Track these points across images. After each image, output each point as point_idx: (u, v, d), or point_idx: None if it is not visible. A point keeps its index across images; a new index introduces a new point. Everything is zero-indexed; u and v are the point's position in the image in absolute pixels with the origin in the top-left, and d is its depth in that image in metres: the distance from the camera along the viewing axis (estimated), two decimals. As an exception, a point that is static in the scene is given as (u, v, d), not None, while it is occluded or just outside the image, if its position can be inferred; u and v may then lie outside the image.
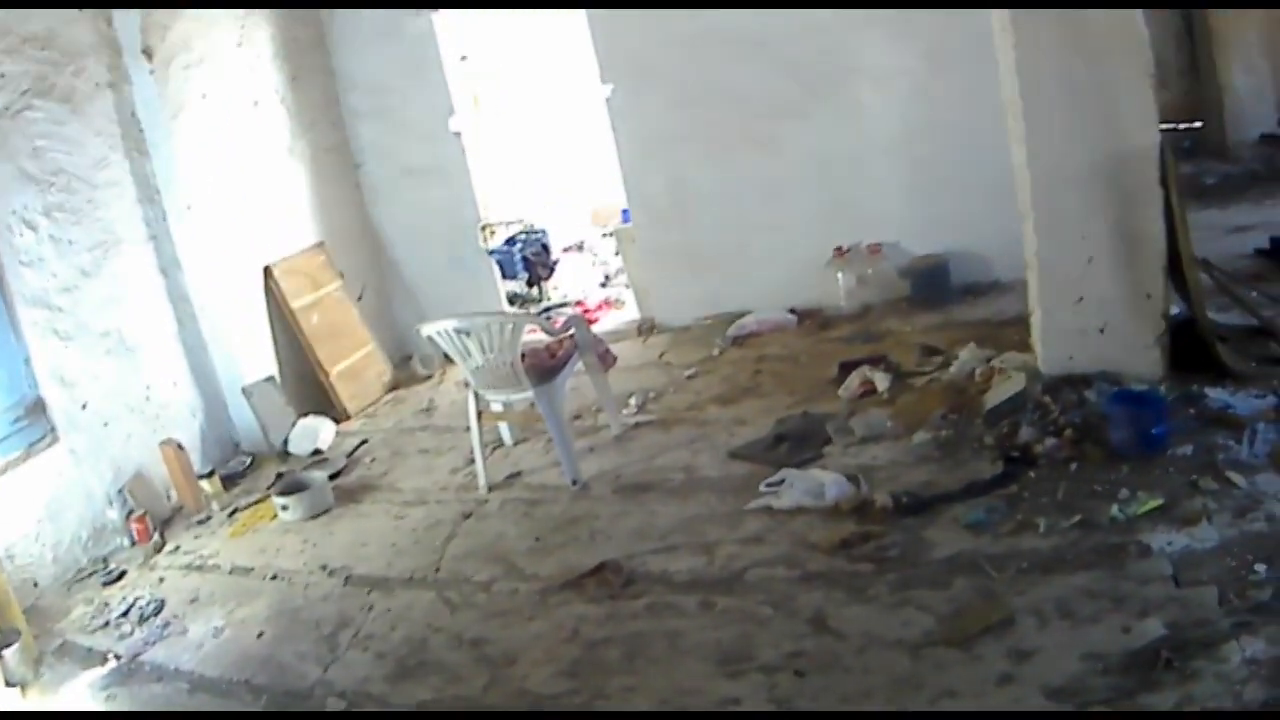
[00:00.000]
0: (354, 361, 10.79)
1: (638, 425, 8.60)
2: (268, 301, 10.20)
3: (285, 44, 10.97)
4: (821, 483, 6.52)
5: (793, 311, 10.47)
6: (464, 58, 13.09)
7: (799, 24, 10.00)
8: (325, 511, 8.14)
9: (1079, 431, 6.44)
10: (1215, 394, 6.70)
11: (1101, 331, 6.99)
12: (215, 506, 8.65)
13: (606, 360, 8.50)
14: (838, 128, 10.23)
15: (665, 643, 5.46)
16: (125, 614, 7.06)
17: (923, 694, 4.64)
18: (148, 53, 9.01)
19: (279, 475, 9.00)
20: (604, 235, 14.22)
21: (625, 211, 11.57)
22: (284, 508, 8.10)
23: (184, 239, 9.30)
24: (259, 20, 10.61)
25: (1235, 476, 5.77)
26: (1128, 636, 4.63)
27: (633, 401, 9.05)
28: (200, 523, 8.50)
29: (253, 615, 6.72)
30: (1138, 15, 6.67)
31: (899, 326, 9.66)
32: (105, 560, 8.03)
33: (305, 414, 9.91)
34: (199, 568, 7.67)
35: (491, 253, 12.23)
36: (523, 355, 7.59)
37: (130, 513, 8.17)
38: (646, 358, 10.42)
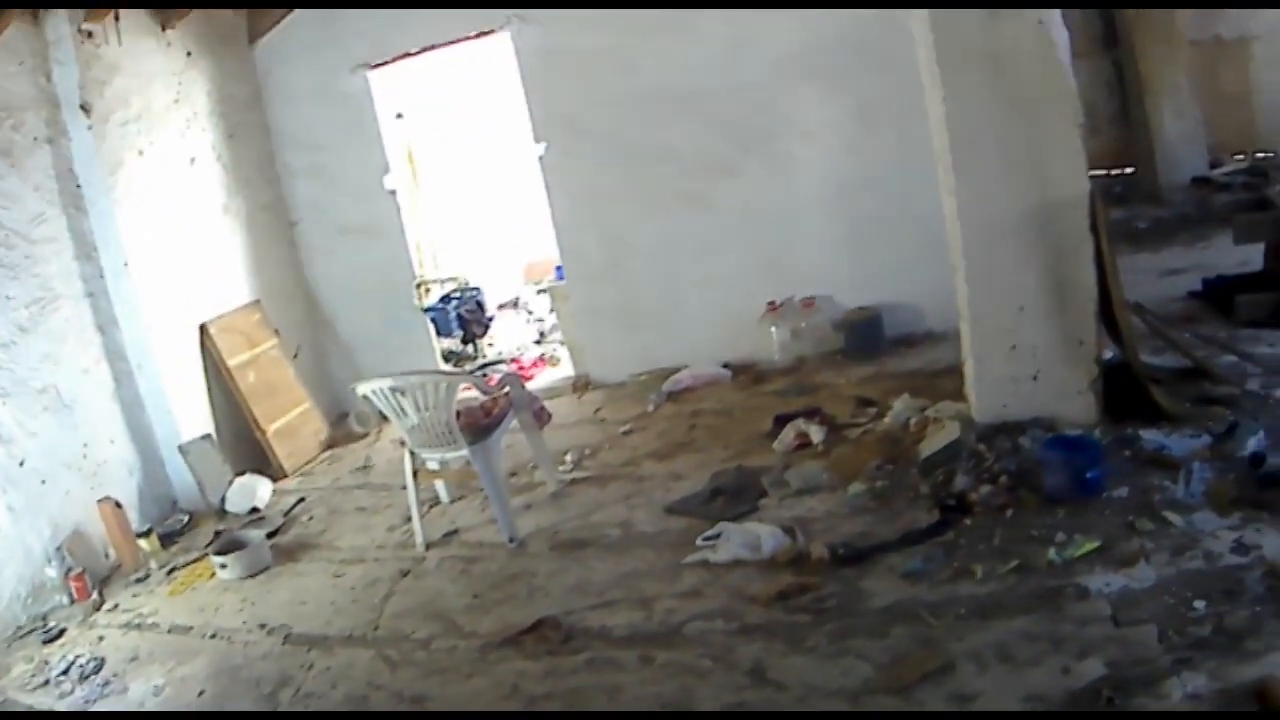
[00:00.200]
0: (290, 419, 10.76)
1: (574, 482, 8.61)
2: (204, 359, 10.16)
3: (222, 101, 10.98)
4: (758, 535, 6.54)
5: (727, 366, 10.54)
6: (399, 116, 13.13)
7: (731, 82, 10.17)
8: (263, 570, 8.08)
9: (1014, 478, 6.51)
10: (1150, 436, 6.81)
11: (1035, 379, 7.09)
12: (153, 565, 8.57)
13: (541, 417, 8.52)
14: (770, 183, 10.38)
15: (605, 698, 5.45)
16: (65, 672, 6.98)
17: (864, 742, 4.66)
18: (86, 108, 9.02)
19: (217, 534, 8.93)
20: (538, 292, 14.26)
21: (559, 268, 11.60)
22: (222, 566, 8.04)
23: (121, 296, 9.26)
24: (196, 77, 10.62)
25: (1172, 516, 5.87)
26: (1068, 677, 4.67)
27: (569, 458, 9.06)
28: (139, 581, 8.42)
29: (193, 674, 6.66)
30: (1066, 67, 6.78)
31: (833, 379, 9.75)
32: (44, 618, 7.94)
33: (242, 472, 9.86)
34: (138, 626, 7.60)
35: (426, 310, 12.23)
36: (458, 413, 7.61)
37: (69, 570, 8.09)
38: (582, 414, 10.45)
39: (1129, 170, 15.85)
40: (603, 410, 10.43)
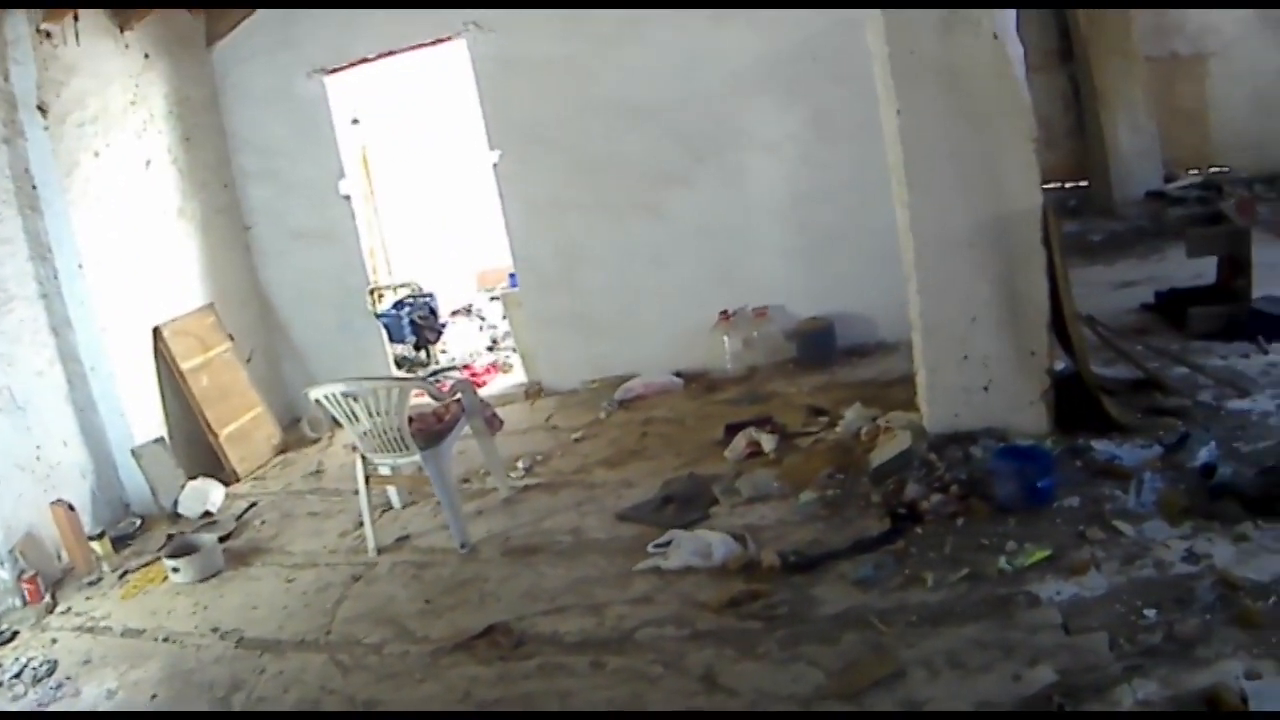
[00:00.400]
0: (243, 424, 10.72)
1: (525, 488, 8.62)
2: (157, 363, 10.10)
3: (179, 103, 10.92)
4: (709, 543, 6.56)
5: (679, 375, 10.59)
6: (355, 121, 13.11)
7: (687, 92, 10.22)
8: (216, 574, 8.04)
9: (965, 487, 6.56)
10: (1102, 446, 6.89)
11: (986, 389, 7.15)
12: (106, 568, 8.52)
13: (493, 424, 8.52)
14: (724, 193, 10.42)
15: (557, 703, 5.45)
16: (18, 675, 6.93)
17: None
18: (42, 108, 8.97)
19: (169, 537, 8.87)
20: (491, 299, 14.25)
21: (513, 275, 11.59)
22: (175, 570, 8.00)
23: (75, 298, 9.21)
24: (153, 79, 10.55)
25: (1123, 525, 5.93)
26: (1019, 684, 4.71)
27: (520, 465, 9.07)
28: (91, 584, 8.37)
29: (146, 678, 6.62)
30: (1021, 81, 6.84)
31: (785, 388, 9.79)
32: (-3, 620, 7.91)
33: (194, 476, 9.81)
34: (91, 629, 7.54)
35: (380, 316, 12.21)
36: (410, 419, 7.61)
37: (21, 573, 8.03)
38: (534, 421, 10.46)
39: (1084, 184, 16.01)
40: (555, 417, 10.44)
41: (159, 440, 9.76)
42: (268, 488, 10.05)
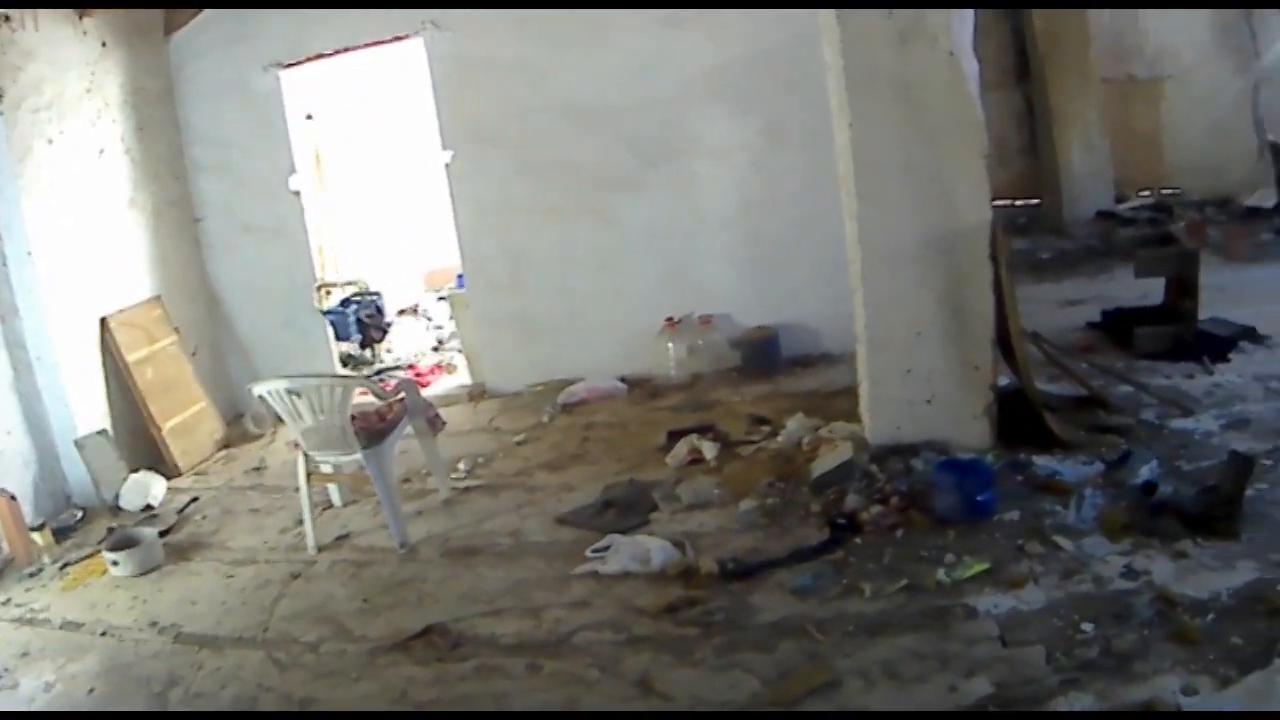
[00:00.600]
0: (186, 418, 10.65)
1: (466, 490, 8.60)
2: (103, 353, 10.02)
3: (134, 93, 10.84)
4: (648, 549, 6.58)
5: (623, 380, 10.60)
6: (309, 117, 13.06)
7: (641, 98, 10.25)
8: (155, 568, 7.98)
9: (905, 499, 6.60)
10: (1043, 462, 6.97)
11: (929, 402, 7.21)
12: (46, 559, 8.44)
13: (435, 425, 8.50)
14: (674, 200, 10.46)
15: (492, 705, 5.45)
16: (-45, 666, 6.89)
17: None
18: (-2, 93, 8.92)
19: (110, 530, 8.78)
20: (439, 299, 14.22)
21: (460, 276, 11.58)
22: (114, 563, 7.94)
23: (23, 285, 9.12)
24: (110, 68, 10.48)
25: (1062, 540, 6.00)
26: (955, 695, 4.75)
27: (462, 466, 9.05)
28: (31, 575, 8.29)
29: (83, 671, 6.57)
30: (974, 98, 6.88)
31: (728, 396, 9.83)
32: (-63, 609, 7.84)
33: (137, 469, 9.74)
34: (30, 621, 7.48)
35: (326, 313, 12.14)
36: (353, 417, 7.60)
37: (-38, 562, 8.01)
38: (477, 423, 10.45)
39: (1035, 201, 16.15)
40: (498, 419, 10.44)
41: (102, 432, 9.70)
42: (210, 483, 10.00)
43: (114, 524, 9.04)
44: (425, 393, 9.97)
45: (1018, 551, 5.94)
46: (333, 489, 8.58)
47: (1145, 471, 6.66)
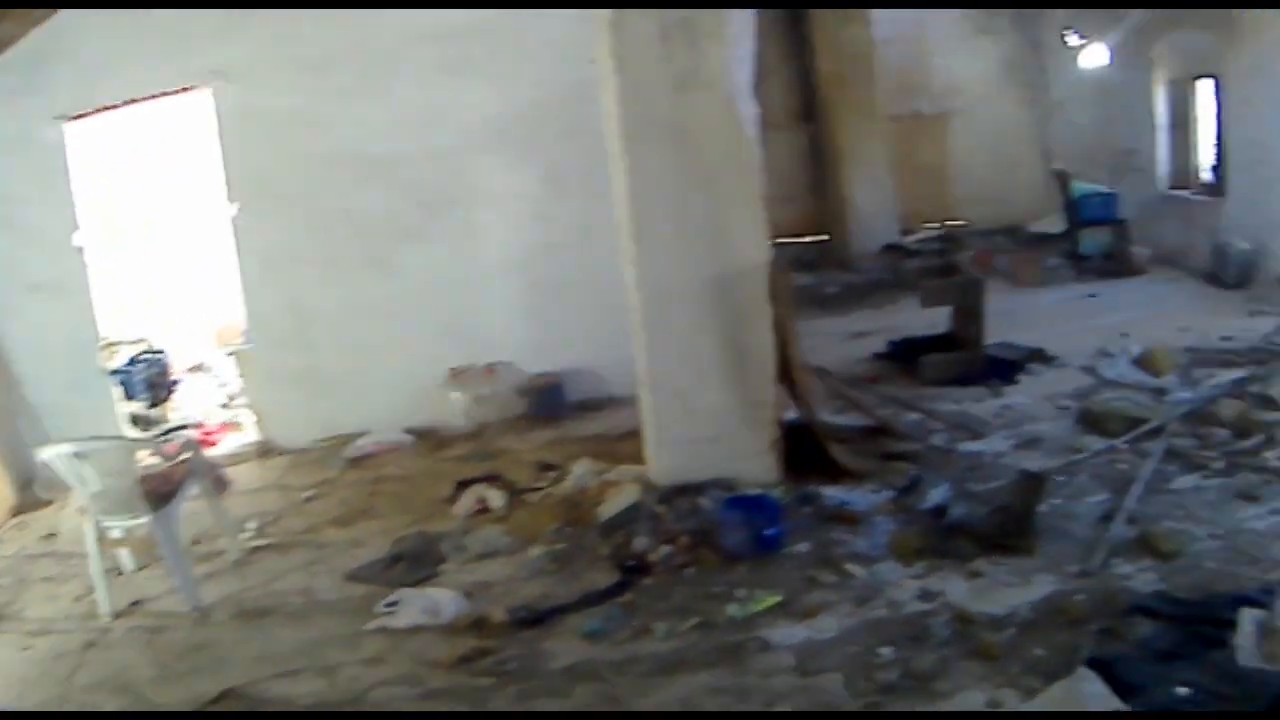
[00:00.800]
0: (-25, 486, 10.38)
1: (256, 549, 8.42)
2: (-110, 417, 9.75)
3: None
4: (438, 601, 6.54)
5: (410, 431, 10.49)
6: (93, 170, 12.86)
7: (423, 147, 10.20)
8: (-50, 642, 7.80)
9: (694, 538, 6.63)
10: (832, 493, 7.09)
11: (714, 441, 7.26)
12: None
13: (221, 484, 8.44)
14: (457, 249, 10.43)
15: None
16: None
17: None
18: None
19: (-100, 605, 8.59)
20: (227, 355, 14.07)
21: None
22: (-97, 641, 7.76)
23: None
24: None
25: (854, 568, 6.12)
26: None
27: (251, 525, 8.86)
28: None
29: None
30: (751, 140, 7.00)
31: (515, 444, 9.81)
32: None
33: (-74, 540, 9.51)
34: None
35: (114, 373, 11.93)
36: (140, 480, 7.44)
37: None
38: (266, 480, 10.23)
39: (823, 238, 16.39)
40: (286, 476, 10.24)
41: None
42: (2, 552, 9.72)
43: (-96, 599, 8.80)
44: (213, 451, 9.93)
45: (809, 582, 6.02)
46: (124, 554, 8.38)
47: (936, 495, 6.81)
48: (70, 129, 10.70)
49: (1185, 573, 5.81)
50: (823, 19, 16.01)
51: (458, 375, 10.43)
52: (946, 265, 12.04)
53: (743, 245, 7.06)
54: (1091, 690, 4.48)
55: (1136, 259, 14.17)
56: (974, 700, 4.65)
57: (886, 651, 5.17)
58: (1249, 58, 12.11)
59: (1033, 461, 7.33)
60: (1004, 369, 9.55)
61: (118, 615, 7.56)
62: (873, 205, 15.90)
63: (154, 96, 10.58)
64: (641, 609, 6.07)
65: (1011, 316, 10.02)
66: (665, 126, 6.99)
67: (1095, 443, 7.83)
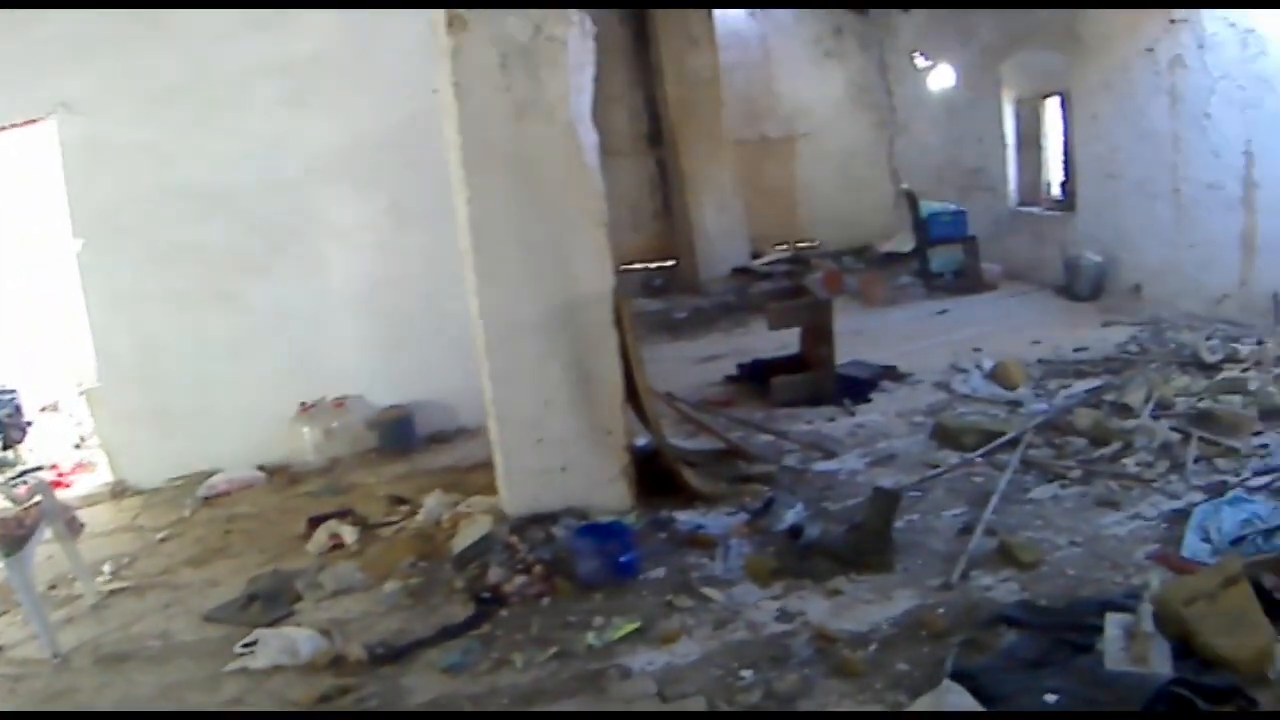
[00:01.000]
0: None
1: (113, 592, 8.23)
2: None
3: None
4: (294, 640, 6.44)
5: (262, 468, 10.37)
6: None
7: (267, 179, 10.08)
8: None
9: (549, 567, 6.62)
10: (686, 517, 7.14)
11: (564, 470, 7.29)
12: None
13: (74, 527, 8.25)
14: (302, 282, 10.34)
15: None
16: None
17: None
18: None
19: None
20: (79, 394, 13.88)
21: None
22: None
23: None
24: None
25: (711, 592, 6.14)
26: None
27: (106, 568, 8.68)
28: None
29: None
30: (592, 169, 7.03)
31: (366, 478, 9.74)
32: None
33: None
34: None
35: (-36, 415, 11.74)
36: (-6, 523, 7.33)
37: None
38: (120, 521, 9.99)
39: (671, 263, 16.43)
40: (141, 517, 10.01)
41: None
42: None
43: None
44: (68, 493, 9.70)
45: (667, 607, 6.04)
46: (-19, 601, 8.28)
47: (790, 516, 6.87)
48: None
49: (1047, 581, 5.94)
50: (670, 45, 16.16)
51: (307, 410, 10.34)
52: (794, 287, 12.16)
53: (586, 273, 7.10)
54: (957, 701, 4.53)
55: (987, 275, 14.45)
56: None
57: (748, 674, 5.20)
58: (1096, 74, 12.42)
59: (887, 478, 7.44)
60: (856, 388, 9.66)
61: (-22, 665, 7.44)
62: (721, 229, 16.08)
63: (-1, 129, 10.38)
64: (499, 640, 6.04)
65: (863, 336, 10.14)
66: (506, 155, 7.00)
67: (950, 457, 7.99)
